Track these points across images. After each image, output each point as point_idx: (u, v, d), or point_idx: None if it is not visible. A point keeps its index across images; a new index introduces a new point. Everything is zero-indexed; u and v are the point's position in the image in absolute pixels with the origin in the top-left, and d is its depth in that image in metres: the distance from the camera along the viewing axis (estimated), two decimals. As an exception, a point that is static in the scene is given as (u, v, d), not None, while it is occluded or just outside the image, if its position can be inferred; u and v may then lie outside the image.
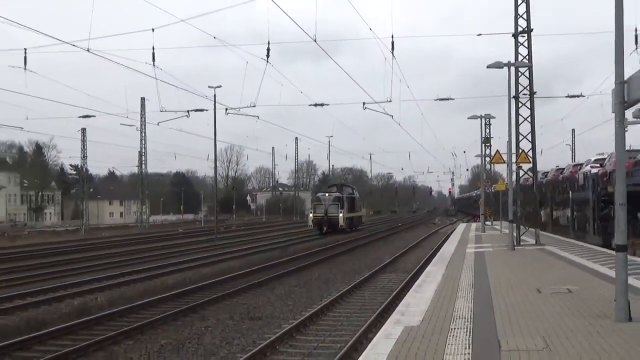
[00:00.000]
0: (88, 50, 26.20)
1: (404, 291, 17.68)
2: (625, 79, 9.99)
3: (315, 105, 46.43)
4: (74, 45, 26.26)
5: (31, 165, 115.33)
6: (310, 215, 60.16)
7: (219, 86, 52.53)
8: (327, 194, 62.88)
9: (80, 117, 56.16)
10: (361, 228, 69.50)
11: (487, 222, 48.97)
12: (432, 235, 53.51)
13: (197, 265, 30.09)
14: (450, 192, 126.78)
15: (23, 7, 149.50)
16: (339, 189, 68.94)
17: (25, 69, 32.29)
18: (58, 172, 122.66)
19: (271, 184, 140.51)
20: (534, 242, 28.48)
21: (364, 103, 41.88)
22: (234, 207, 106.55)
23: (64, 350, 12.68)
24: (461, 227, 54.99)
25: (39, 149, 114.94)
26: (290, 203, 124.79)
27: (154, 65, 32.88)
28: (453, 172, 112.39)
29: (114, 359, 12.63)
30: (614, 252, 12.84)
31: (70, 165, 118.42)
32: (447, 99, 42.62)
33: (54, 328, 14.97)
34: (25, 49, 33.81)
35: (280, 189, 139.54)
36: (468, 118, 42.30)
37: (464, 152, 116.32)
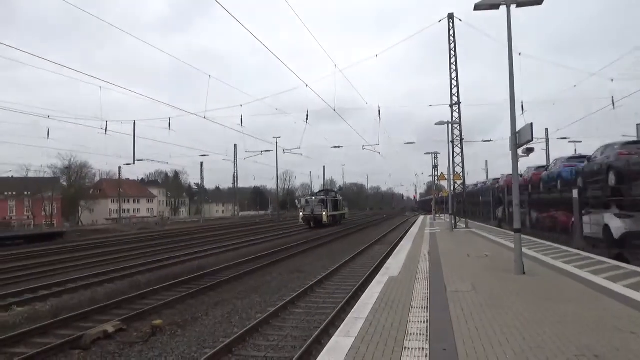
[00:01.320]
0: (205, 117, 26.52)
1: (387, 256, 17.51)
2: (517, 130, 10.08)
3: (335, 147, 47.95)
4: (197, 115, 26.63)
5: (172, 184, 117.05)
6: (301, 213, 46.13)
7: (279, 137, 55.10)
8: (313, 197, 47.90)
9: (200, 155, 58.49)
10: (344, 222, 52.92)
11: (437, 215, 48.26)
12: (404, 223, 52.98)
13: (265, 241, 30.10)
14: (414, 197, 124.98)
15: (168, 91, 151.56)
16: (325, 194, 52.13)
17: (169, 129, 32.80)
18: (187, 187, 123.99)
19: (309, 192, 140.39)
20: (464, 226, 28.08)
21: (363, 146, 42.50)
22: (288, 206, 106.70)
23: (196, 288, 12.78)
24: (421, 217, 54.22)
25: (176, 174, 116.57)
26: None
27: (241, 125, 33.32)
28: (416, 185, 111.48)
29: (219, 294, 12.68)
30: (511, 232, 12.74)
31: (195, 183, 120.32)
32: (412, 143, 43.11)
33: (191, 275, 14.92)
34: (169, 118, 34.76)
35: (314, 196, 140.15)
36: (425, 154, 48.30)
37: (422, 173, 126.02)
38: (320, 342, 7.70)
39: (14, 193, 73.58)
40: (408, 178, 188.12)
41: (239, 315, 10.19)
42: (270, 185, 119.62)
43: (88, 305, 11.27)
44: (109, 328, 8.67)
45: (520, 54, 23.64)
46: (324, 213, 43.20)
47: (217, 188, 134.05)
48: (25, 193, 71.28)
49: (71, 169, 76.40)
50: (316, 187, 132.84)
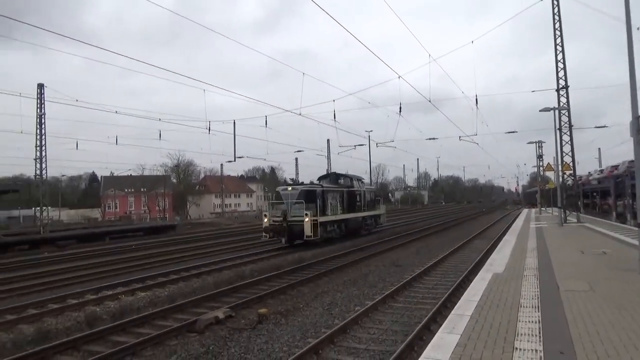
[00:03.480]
0: (300, 114, 27.12)
1: (489, 251, 16.68)
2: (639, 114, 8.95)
3: (429, 139, 45.49)
4: (292, 112, 27.33)
5: (269, 179, 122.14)
6: (265, 219, 22.81)
7: (371, 130, 54.32)
8: (289, 187, 23.04)
9: (295, 152, 59.52)
10: (379, 230, 30.33)
11: (542, 208, 44.98)
12: (506, 217, 49.85)
13: (361, 235, 30.14)
14: (516, 189, 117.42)
15: (267, 91, 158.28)
16: (332, 180, 26.62)
17: (266, 126, 34.08)
18: (283, 182, 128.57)
19: (403, 186, 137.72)
20: (576, 221, 25.81)
21: (459, 137, 40.29)
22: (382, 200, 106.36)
23: (296, 280, 13.29)
24: (525, 211, 50.78)
25: (272, 170, 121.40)
26: (415, 197, 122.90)
27: (334, 120, 33.66)
28: (517, 177, 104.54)
29: (318, 285, 12.99)
30: (630, 227, 11.46)
31: (290, 178, 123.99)
32: (513, 132, 39.66)
33: (291, 267, 15.49)
34: (266, 116, 36.16)
35: (408, 188, 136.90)
36: (527, 143, 40.45)
37: (524, 163, 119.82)
38: (421, 338, 7.60)
39: (133, 190, 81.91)
40: (509, 169, 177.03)
41: (339, 307, 10.37)
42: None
43: (199, 292, 12.21)
44: (220, 314, 9.30)
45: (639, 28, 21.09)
46: (307, 220, 20.70)
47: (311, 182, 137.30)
48: (142, 189, 78.98)
49: (179, 167, 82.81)
50: (410, 180, 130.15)
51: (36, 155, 36.10)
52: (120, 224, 46.73)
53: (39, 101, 35.83)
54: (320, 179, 26.62)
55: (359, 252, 19.77)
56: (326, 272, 14.80)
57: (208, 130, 35.82)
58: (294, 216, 21.19)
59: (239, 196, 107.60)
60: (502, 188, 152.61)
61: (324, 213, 22.23)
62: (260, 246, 23.49)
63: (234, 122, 38.47)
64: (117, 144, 43.62)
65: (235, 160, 41.24)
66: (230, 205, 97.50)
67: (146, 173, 78.78)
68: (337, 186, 25.55)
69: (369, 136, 54.59)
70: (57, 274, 16.42)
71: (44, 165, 36.32)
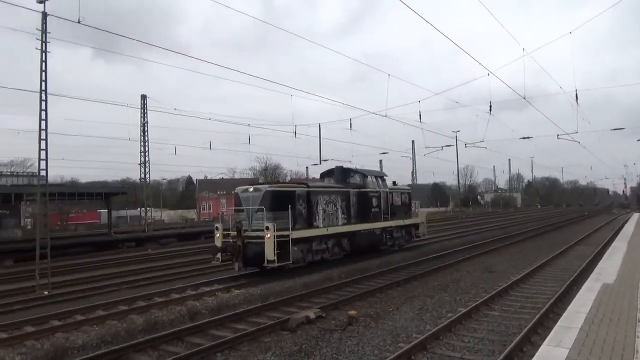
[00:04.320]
0: (385, 116, 26.95)
1: (596, 259, 15.31)
2: None
3: (523, 138, 42.74)
4: (377, 114, 27.25)
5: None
6: (216, 234, 14.98)
7: (458, 130, 52.37)
8: (250, 188, 14.89)
9: (380, 153, 59.33)
10: (416, 245, 22.21)
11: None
12: (612, 221, 45.52)
13: (450, 238, 29.18)
14: (623, 191, 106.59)
15: (351, 94, 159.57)
16: (337, 177, 18.65)
17: (350, 129, 34.25)
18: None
19: (493, 188, 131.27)
20: (700, 227, 22.87)
21: (557, 135, 37.49)
22: (470, 202, 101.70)
23: (385, 283, 13.16)
24: (635, 215, 46.02)
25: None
26: (507, 200, 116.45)
27: (420, 121, 33.08)
28: (625, 178, 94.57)
29: (407, 290, 12.75)
30: None
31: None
32: (619, 129, 35.96)
33: (379, 270, 15.36)
34: (350, 119, 36.33)
35: (499, 191, 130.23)
36: (637, 140, 35.83)
37: (634, 163, 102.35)
38: (521, 349, 7.17)
39: (224, 192, 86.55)
40: (614, 170, 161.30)
41: (430, 313, 10.11)
42: (450, 181, 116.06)
43: (290, 292, 12.55)
44: (311, 314, 9.49)
45: None
46: (270, 235, 13.35)
47: (394, 183, 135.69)
48: (233, 192, 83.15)
49: (267, 170, 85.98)
50: (501, 182, 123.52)
51: (141, 160, 39.45)
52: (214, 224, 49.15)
53: (142, 111, 39.17)
54: (322, 175, 19.87)
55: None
56: (415, 276, 14.49)
57: (294, 134, 36.81)
58: (256, 230, 14.06)
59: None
60: (607, 190, 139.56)
61: (309, 224, 15.35)
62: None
63: (319, 126, 39.11)
64: (210, 148, 46.48)
65: (320, 163, 41.89)
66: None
67: (236, 176, 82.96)
68: (338, 186, 17.71)
69: (456, 136, 52.78)
70: (160, 269, 17.80)
71: (147, 170, 39.64)
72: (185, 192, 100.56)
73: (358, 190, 18.26)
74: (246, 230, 14.29)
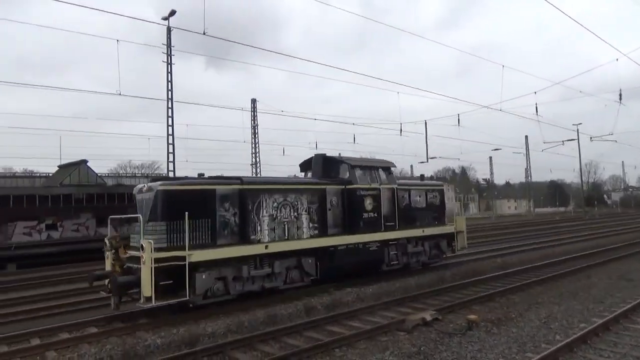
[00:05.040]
0: (500, 110, 25.52)
1: None
2: None
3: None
4: (489, 107, 25.85)
5: (460, 180, 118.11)
6: (106, 254, 10.46)
7: (579, 123, 47.62)
8: (145, 187, 10.22)
9: (493, 150, 56.44)
10: (450, 263, 16.58)
11: None
12: None
13: (574, 241, 26.68)
14: None
15: (456, 89, 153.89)
16: (315, 169, 13.96)
17: (458, 125, 32.99)
18: (475, 183, 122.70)
19: (622, 186, 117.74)
20: None
21: None
22: (595, 202, 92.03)
23: (504, 287, 12.44)
24: None
25: (463, 170, 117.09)
26: (639, 199, 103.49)
27: (536, 113, 30.71)
28: None
29: (530, 295, 11.86)
30: None
31: (483, 178, 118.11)
32: None
33: (495, 273, 14.59)
34: (458, 114, 35.12)
35: (630, 189, 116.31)
36: None
37: None
38: (679, 370, 6.27)
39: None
40: None
41: (559, 322, 9.30)
42: (570, 178, 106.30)
43: (402, 292, 12.38)
44: (427, 316, 9.26)
45: None
46: (147, 257, 8.96)
47: (507, 183, 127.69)
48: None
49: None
50: (631, 179, 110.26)
51: (252, 161, 41.83)
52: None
53: (252, 114, 41.50)
54: (302, 168, 15.12)
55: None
56: (538, 281, 13.46)
57: (400, 132, 36.34)
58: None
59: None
60: None
61: (242, 238, 10.89)
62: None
63: (425, 123, 38.22)
64: (317, 148, 47.71)
65: (427, 161, 40.98)
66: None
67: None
68: (305, 181, 13.40)
69: (578, 129, 48.07)
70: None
71: (259, 170, 41.87)
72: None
73: (341, 187, 13.03)
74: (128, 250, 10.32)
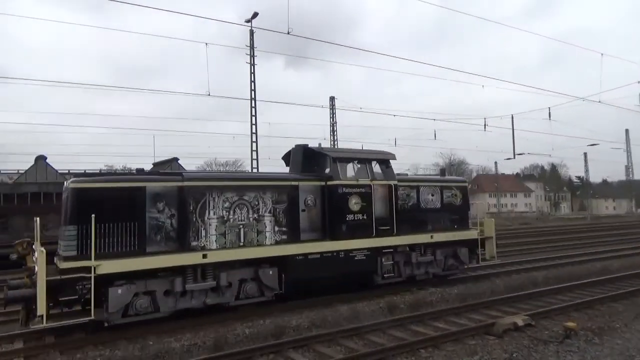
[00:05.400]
0: (599, 102, 23.54)
1: None
2: None
3: None
4: (587, 99, 23.89)
5: (550, 177, 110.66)
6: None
7: None
8: (69, 180, 8.77)
9: (588, 145, 52.40)
10: (473, 276, 14.05)
11: None
12: None
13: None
14: None
15: (544, 81, 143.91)
16: (294, 162, 12.26)
17: (549, 119, 30.94)
18: (567, 181, 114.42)
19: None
20: None
21: None
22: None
23: (604, 294, 11.42)
24: None
25: (553, 167, 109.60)
26: None
27: None
28: None
29: (635, 304, 10.71)
30: None
31: (576, 176, 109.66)
32: None
33: (595, 279, 13.44)
34: (549, 108, 33.02)
35: None
36: None
37: None
38: None
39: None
40: None
41: (673, 335, 8.38)
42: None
43: (489, 294, 11.84)
44: (519, 321, 8.76)
45: None
46: (40, 275, 7.48)
47: (604, 181, 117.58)
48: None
49: (451, 166, 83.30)
50: None
51: (333, 158, 42.26)
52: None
53: (331, 112, 41.85)
54: (285, 160, 13.07)
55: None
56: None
57: (484, 127, 34.78)
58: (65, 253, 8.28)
59: (515, 196, 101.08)
60: None
61: (182, 245, 9.21)
62: (551, 250, 21.40)
63: (512, 117, 36.24)
64: (395, 145, 47.14)
65: (514, 157, 38.86)
66: (505, 205, 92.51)
67: (420, 172, 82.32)
68: (269, 178, 10.84)
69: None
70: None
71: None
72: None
73: (320, 183, 11.07)
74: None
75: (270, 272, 10.02)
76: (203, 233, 9.44)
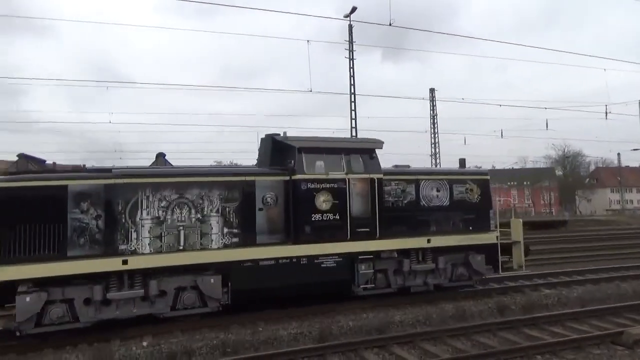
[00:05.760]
0: None
1: None
2: None
3: None
4: None
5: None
6: None
7: None
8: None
9: None
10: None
11: None
12: None
13: None
14: None
15: None
16: (263, 157, 10.74)
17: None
18: None
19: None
20: None
21: None
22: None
23: None
24: None
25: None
26: None
27: None
28: None
29: None
30: None
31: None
32: None
33: None
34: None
35: None
36: None
37: None
38: None
39: (515, 183, 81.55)
40: None
41: None
42: None
43: (614, 300, 10.72)
44: (655, 331, 7.81)
45: None
46: None
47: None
48: (525, 183, 77.61)
49: (567, 158, 76.59)
50: None
51: (431, 152, 41.06)
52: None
53: (431, 103, 40.68)
54: (258, 153, 11.29)
55: None
56: None
57: (605, 115, 31.53)
58: None
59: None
60: None
61: (107, 248, 8.36)
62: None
63: (640, 103, 32.27)
64: (502, 136, 44.51)
65: (642, 148, 34.55)
66: (631, 201, 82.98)
67: (529, 166, 76.88)
68: (216, 174, 9.70)
69: None
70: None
71: (438, 161, 40.94)
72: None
73: (283, 178, 9.65)
74: None
75: (212, 281, 8.73)
76: (134, 235, 8.45)
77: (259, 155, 10.95)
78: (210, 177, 9.27)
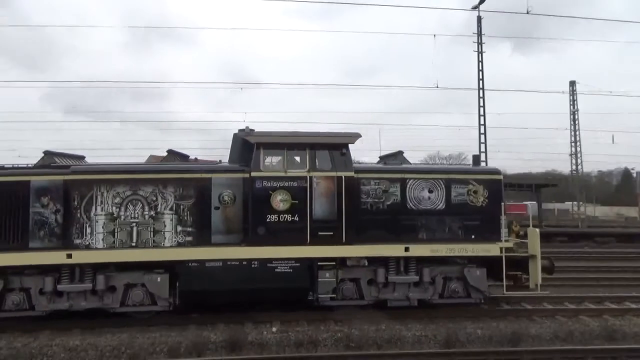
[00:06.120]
0: None
1: None
2: None
3: None
4: None
5: None
6: None
7: None
8: None
9: None
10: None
11: None
12: None
13: None
14: None
15: None
16: (235, 152, 10.06)
17: None
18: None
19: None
20: None
21: None
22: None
23: None
24: None
25: None
26: None
27: None
28: None
29: None
30: None
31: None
32: None
33: None
34: None
35: None
36: None
37: None
38: None
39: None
40: None
41: None
42: None
43: None
44: None
45: None
46: None
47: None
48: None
49: None
50: None
51: (571, 151, 37.23)
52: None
53: (571, 98, 36.81)
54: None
55: None
56: None
57: None
58: None
59: None
60: None
61: (64, 241, 8.85)
62: None
63: None
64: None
65: None
66: None
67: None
68: (170, 171, 9.64)
69: None
70: (600, 271, 16.05)
71: (579, 161, 36.99)
72: (621, 186, 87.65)
73: (242, 176, 9.15)
74: None
75: (158, 279, 8.73)
76: (88, 230, 8.71)
77: (230, 152, 10.44)
78: (164, 174, 9.26)
